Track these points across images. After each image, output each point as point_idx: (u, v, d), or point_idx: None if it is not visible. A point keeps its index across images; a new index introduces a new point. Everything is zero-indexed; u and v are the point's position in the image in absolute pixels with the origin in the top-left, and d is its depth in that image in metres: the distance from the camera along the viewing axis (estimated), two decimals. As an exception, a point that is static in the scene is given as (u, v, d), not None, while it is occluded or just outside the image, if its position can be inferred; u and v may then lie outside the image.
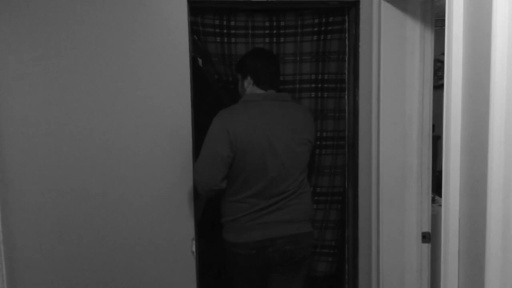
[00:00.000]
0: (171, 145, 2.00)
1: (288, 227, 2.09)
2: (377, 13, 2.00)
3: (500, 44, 1.04)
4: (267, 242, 2.06)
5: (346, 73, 2.28)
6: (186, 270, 2.05)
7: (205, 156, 1.99)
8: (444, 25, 1.28)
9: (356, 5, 2.11)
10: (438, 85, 2.39)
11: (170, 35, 1.96)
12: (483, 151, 1.10)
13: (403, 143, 2.00)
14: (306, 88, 2.57)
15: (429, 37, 1.96)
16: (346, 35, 2.26)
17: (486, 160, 1.09)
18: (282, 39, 2.51)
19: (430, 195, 2.05)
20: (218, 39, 2.48)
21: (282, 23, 2.48)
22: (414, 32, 1.96)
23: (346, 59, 2.27)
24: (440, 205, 1.37)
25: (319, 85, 2.56)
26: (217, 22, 2.43)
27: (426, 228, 2.03)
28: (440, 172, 1.36)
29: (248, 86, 2.13)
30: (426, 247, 2.04)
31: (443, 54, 1.30)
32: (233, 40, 2.48)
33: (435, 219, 2.08)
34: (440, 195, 1.35)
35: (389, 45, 1.96)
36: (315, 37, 2.49)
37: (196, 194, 2.05)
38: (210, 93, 2.70)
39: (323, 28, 2.47)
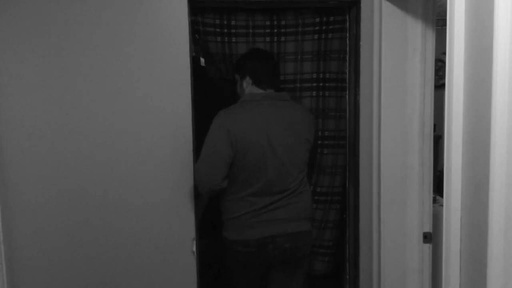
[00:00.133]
0: (171, 145, 1.99)
1: (288, 225, 2.11)
2: (378, 12, 1.99)
3: (503, 44, 1.04)
4: (267, 239, 2.08)
5: (347, 72, 2.28)
6: (187, 270, 2.05)
7: (206, 156, 2.00)
8: (445, 25, 1.28)
9: (357, 4, 2.10)
10: (439, 85, 2.39)
11: (170, 35, 1.95)
12: (485, 151, 1.09)
13: (404, 143, 2.00)
14: (307, 87, 2.57)
15: (430, 36, 1.95)
16: (347, 34, 2.26)
17: (488, 160, 1.08)
18: (283, 38, 2.51)
19: (432, 194, 2.05)
20: (219, 38, 2.47)
21: (283, 22, 2.47)
22: (415, 32, 1.95)
23: (347, 58, 2.27)
24: (442, 205, 1.37)
25: (320, 84, 2.56)
26: (217, 21, 2.43)
27: (428, 228, 2.03)
28: (441, 171, 1.35)
29: (247, 86, 2.15)
30: (428, 247, 2.04)
31: (444, 53, 1.29)
32: (233, 39, 2.47)
33: (436, 219, 2.08)
34: (441, 195, 1.35)
35: (390, 44, 1.95)
36: (316, 36, 2.49)
37: (197, 194, 2.05)
38: (212, 93, 2.70)
39: (324, 27, 2.46)
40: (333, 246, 2.62)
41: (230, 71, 2.58)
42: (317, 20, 2.46)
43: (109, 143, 1.97)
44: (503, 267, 1.09)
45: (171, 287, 2.06)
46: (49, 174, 1.95)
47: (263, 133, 2.04)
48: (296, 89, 2.57)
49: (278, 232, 2.09)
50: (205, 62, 2.72)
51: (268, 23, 2.48)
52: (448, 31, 1.24)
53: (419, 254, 2.04)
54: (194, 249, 2.04)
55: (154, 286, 2.05)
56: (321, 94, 2.57)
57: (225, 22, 2.43)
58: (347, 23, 2.26)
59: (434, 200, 2.40)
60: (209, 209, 2.35)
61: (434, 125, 2.04)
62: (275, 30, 2.50)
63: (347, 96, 2.30)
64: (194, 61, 2.28)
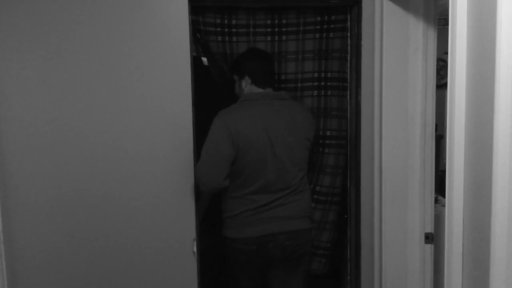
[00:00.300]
0: (172, 145, 1.99)
1: (288, 223, 2.12)
2: (379, 12, 1.99)
3: (506, 43, 1.03)
4: (268, 237, 2.09)
5: (348, 72, 2.27)
6: (187, 270, 2.04)
7: (208, 155, 2.02)
8: (446, 24, 1.27)
9: (358, 3, 2.10)
10: (441, 84, 2.38)
11: (170, 34, 1.95)
12: (488, 150, 1.09)
13: (406, 143, 1.99)
14: (308, 86, 2.56)
15: (432, 35, 1.95)
16: (348, 33, 2.25)
17: (491, 159, 1.07)
18: (284, 37, 2.50)
19: (433, 195, 2.04)
20: (220, 38, 2.46)
21: (284, 21, 2.46)
22: (417, 31, 1.94)
23: (348, 58, 2.26)
24: (443, 205, 1.36)
25: (322, 84, 2.55)
26: (218, 21, 2.42)
27: (429, 229, 2.02)
28: (443, 171, 1.35)
29: (246, 86, 2.17)
30: (429, 247, 2.03)
31: (445, 53, 1.29)
32: (234, 39, 2.47)
33: (438, 219, 2.07)
34: (443, 195, 1.34)
35: (391, 44, 1.95)
36: (317, 35, 2.48)
37: (198, 194, 2.05)
38: (215, 92, 2.70)
39: (325, 26, 2.46)
40: (330, 248, 2.61)
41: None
42: (318, 19, 2.45)
43: (109, 143, 1.96)
44: (506, 268, 1.08)
45: (171, 287, 2.05)
46: (49, 174, 1.94)
47: (264, 132, 2.05)
48: (297, 88, 2.56)
49: (279, 230, 2.10)
50: (208, 61, 2.71)
51: (269, 22, 2.47)
52: (450, 30, 1.23)
53: (421, 255, 2.03)
54: (195, 249, 2.03)
55: (155, 286, 2.05)
56: (322, 94, 2.56)
57: (226, 22, 2.42)
58: (348, 22, 2.25)
59: (436, 200, 2.40)
60: (209, 209, 2.35)
61: (436, 125, 2.03)
62: (276, 29, 2.49)
63: (348, 96, 2.29)
64: (196, 61, 2.28)
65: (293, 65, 2.54)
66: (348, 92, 2.28)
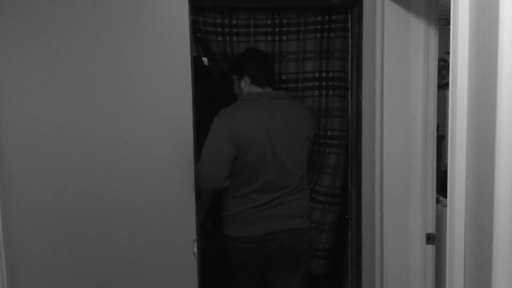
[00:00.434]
0: (172, 145, 1.99)
1: (288, 221, 2.13)
2: (380, 12, 1.98)
3: (508, 42, 1.02)
4: (268, 236, 2.10)
5: (349, 72, 2.27)
6: (187, 271, 2.04)
7: (209, 155, 2.03)
8: (447, 24, 1.27)
9: (359, 3, 2.09)
10: (442, 84, 2.37)
11: (171, 34, 1.94)
12: (490, 151, 1.08)
13: (407, 143, 1.99)
14: (309, 86, 2.55)
15: (433, 35, 1.94)
16: (349, 33, 2.24)
17: (493, 160, 1.07)
18: (284, 37, 2.50)
19: (435, 195, 2.04)
20: (220, 38, 2.46)
21: (285, 21, 2.46)
22: (418, 31, 1.94)
23: (349, 58, 2.26)
24: (445, 206, 1.35)
25: (323, 83, 2.54)
26: (218, 20, 2.42)
27: (431, 229, 2.01)
28: (445, 172, 1.34)
29: (246, 86, 2.19)
30: (431, 248, 2.02)
31: (447, 53, 1.28)
32: (235, 39, 2.46)
33: (440, 220, 2.06)
34: (444, 196, 1.34)
35: (392, 44, 1.94)
36: (318, 35, 2.47)
37: (198, 195, 2.05)
38: (216, 92, 2.69)
39: (326, 26, 2.45)
40: (329, 249, 2.60)
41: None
42: (319, 19, 2.45)
43: (109, 143, 1.96)
44: (508, 268, 1.07)
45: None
46: (49, 174, 1.94)
47: (264, 130, 2.06)
48: (298, 88, 2.55)
49: (279, 228, 2.12)
50: (208, 61, 2.71)
51: (269, 22, 2.47)
52: (452, 30, 1.23)
53: (422, 255, 2.02)
54: (195, 250, 2.03)
55: (154, 287, 2.04)
56: (323, 94, 2.55)
57: (226, 21, 2.42)
58: (349, 22, 2.25)
59: (437, 201, 2.39)
60: (209, 209, 2.35)
61: (437, 125, 2.03)
62: (277, 29, 2.48)
63: (349, 96, 2.29)
64: (196, 61, 2.28)
65: (294, 65, 2.54)
66: (349, 92, 2.28)
